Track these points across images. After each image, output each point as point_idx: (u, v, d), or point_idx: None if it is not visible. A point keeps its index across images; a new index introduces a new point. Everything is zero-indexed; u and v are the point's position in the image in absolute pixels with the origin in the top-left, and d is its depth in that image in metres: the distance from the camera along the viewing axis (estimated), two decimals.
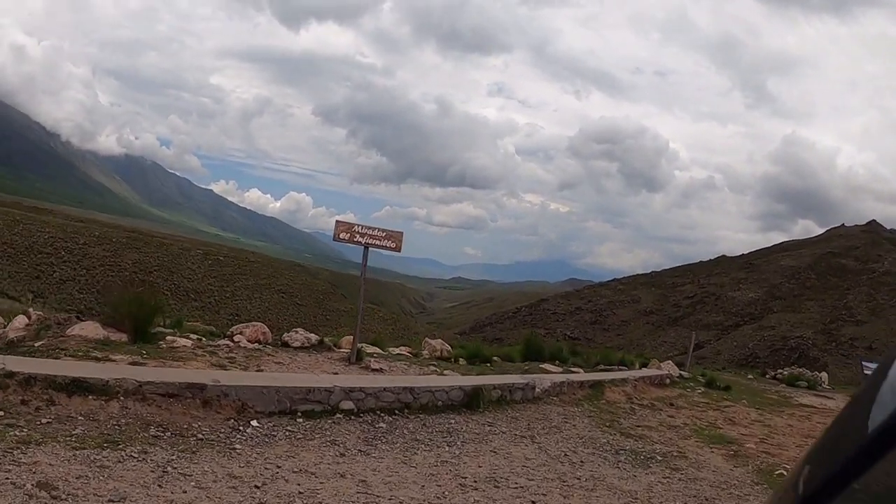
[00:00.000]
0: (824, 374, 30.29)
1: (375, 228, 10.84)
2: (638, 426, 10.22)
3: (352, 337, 11.28)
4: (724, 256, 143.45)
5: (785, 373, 27.28)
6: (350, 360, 10.65)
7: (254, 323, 11.66)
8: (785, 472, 8.51)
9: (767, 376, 27.24)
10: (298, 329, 11.88)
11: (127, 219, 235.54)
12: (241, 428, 6.27)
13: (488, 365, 13.56)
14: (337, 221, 10.71)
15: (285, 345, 11.02)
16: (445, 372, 11.19)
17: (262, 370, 8.68)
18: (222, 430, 6.12)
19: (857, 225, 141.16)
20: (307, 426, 6.74)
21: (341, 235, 10.58)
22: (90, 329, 9.59)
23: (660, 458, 8.32)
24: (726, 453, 9.25)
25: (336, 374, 9.36)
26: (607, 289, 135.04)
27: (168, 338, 9.51)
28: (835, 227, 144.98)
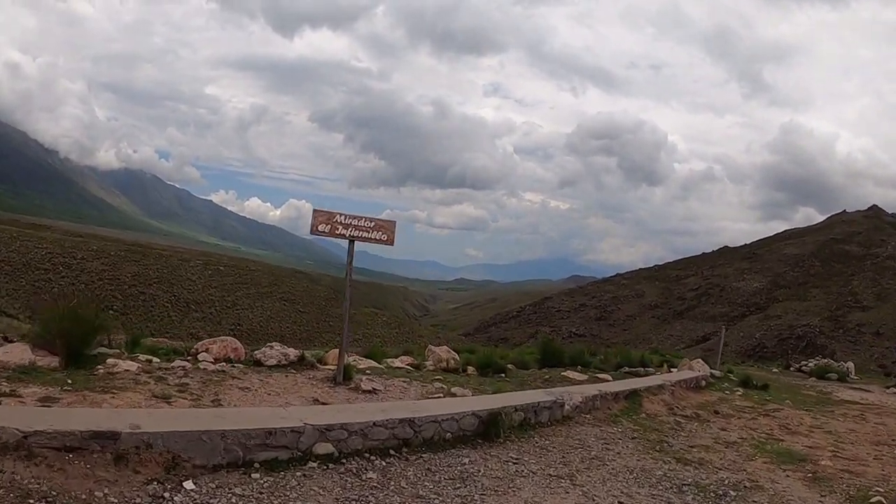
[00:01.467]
0: (850, 364, 28.82)
1: (362, 217, 9.08)
2: (692, 447, 8.50)
3: (338, 351, 9.49)
4: (726, 247, 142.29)
5: (811, 365, 25.93)
6: (336, 379, 8.86)
7: (223, 338, 9.97)
8: (883, 500, 6.77)
9: (792, 369, 26.08)
10: (275, 343, 10.04)
11: (127, 232, 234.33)
12: (167, 494, 4.37)
13: (503, 375, 11.89)
14: (315, 211, 8.93)
15: (258, 363, 9.22)
16: (454, 389, 9.44)
17: (219, 401, 6.85)
18: (138, 500, 4.25)
19: (858, 210, 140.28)
20: (265, 485, 4.79)
21: (320, 227, 8.83)
22: (16, 353, 7.81)
23: (733, 492, 6.52)
24: (804, 477, 7.53)
25: (316, 400, 7.57)
26: (611, 284, 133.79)
27: (109, 361, 7.70)
28: (836, 214, 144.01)
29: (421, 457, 6.23)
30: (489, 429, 7.30)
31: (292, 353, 9.80)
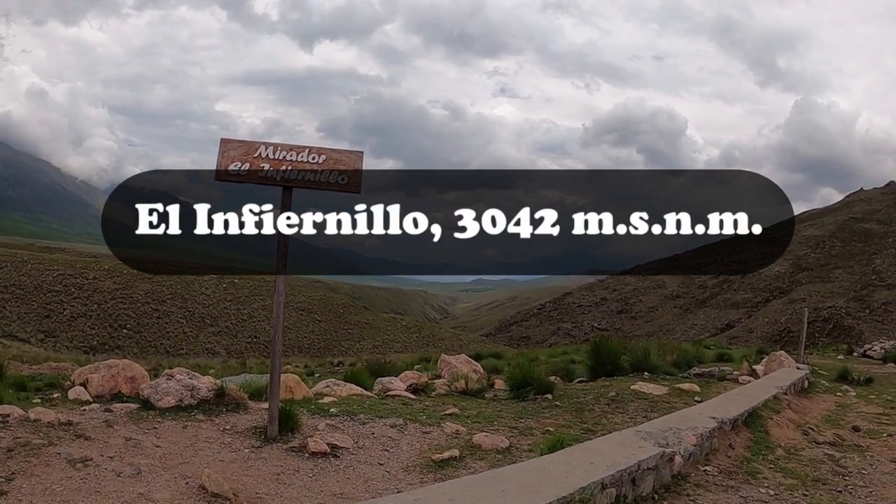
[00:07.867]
0: None
1: (304, 148, 5.80)
2: None
3: (293, 378, 7.06)
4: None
5: (877, 348, 23.37)
6: (268, 433, 5.68)
7: (114, 362, 7.14)
8: None
9: (856, 354, 24.36)
10: (177, 371, 6.83)
11: (145, 251, 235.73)
12: None
13: (548, 396, 8.74)
14: (223, 141, 5.77)
15: (146, 405, 6.20)
16: (478, 437, 6.14)
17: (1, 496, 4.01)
18: None
19: (876, 188, 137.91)
20: None
21: (233, 167, 5.65)
22: None
23: None
24: None
25: (202, 489, 4.44)
26: (631, 276, 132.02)
27: None
28: (854, 192, 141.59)
29: None
30: None
31: (205, 385, 6.45)
